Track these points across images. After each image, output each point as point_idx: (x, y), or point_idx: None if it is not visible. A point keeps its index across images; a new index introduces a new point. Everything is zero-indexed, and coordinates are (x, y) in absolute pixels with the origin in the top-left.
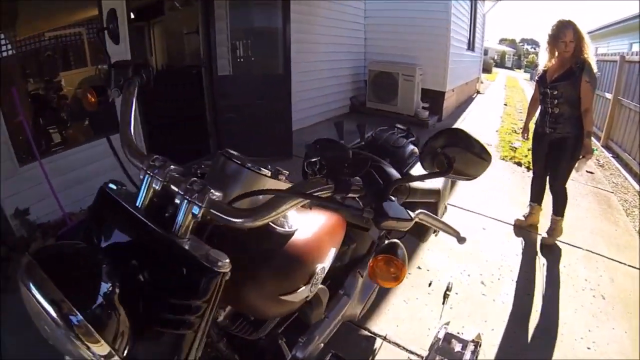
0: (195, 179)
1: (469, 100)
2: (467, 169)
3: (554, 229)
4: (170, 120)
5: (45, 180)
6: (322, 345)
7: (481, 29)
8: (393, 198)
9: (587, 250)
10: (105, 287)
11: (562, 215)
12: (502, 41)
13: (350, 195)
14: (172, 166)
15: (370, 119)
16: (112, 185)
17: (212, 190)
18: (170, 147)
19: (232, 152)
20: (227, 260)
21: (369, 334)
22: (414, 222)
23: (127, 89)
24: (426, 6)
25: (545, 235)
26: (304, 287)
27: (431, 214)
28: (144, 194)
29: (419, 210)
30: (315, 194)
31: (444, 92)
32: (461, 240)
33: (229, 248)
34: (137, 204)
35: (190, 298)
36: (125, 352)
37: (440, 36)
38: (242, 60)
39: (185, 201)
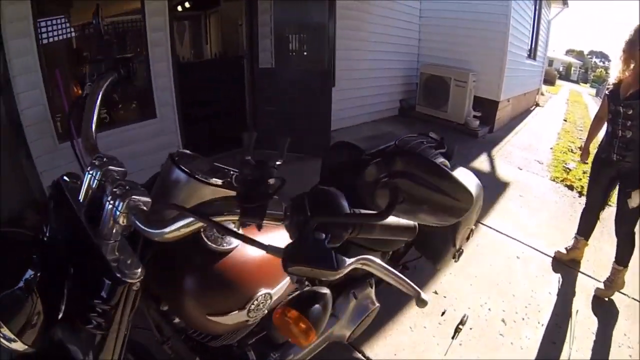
0: (122, 182)
1: (526, 113)
2: (426, 211)
3: (614, 281)
4: (214, 110)
5: (77, 158)
6: None
7: (545, 37)
8: (322, 235)
9: (633, 299)
10: (26, 276)
11: (627, 266)
12: (568, 52)
13: (269, 222)
14: (111, 166)
15: (418, 125)
16: (66, 178)
17: (134, 196)
18: (210, 136)
19: (187, 153)
20: (138, 271)
21: (362, 357)
22: (341, 273)
23: (96, 83)
24: (484, 7)
25: (601, 285)
26: (237, 312)
27: (380, 263)
28: (83, 191)
29: (361, 257)
30: (220, 217)
31: (498, 102)
32: (420, 303)
33: (160, 258)
34: (79, 199)
35: (100, 301)
36: (33, 340)
37: (497, 41)
38: (284, 53)
39: (108, 204)
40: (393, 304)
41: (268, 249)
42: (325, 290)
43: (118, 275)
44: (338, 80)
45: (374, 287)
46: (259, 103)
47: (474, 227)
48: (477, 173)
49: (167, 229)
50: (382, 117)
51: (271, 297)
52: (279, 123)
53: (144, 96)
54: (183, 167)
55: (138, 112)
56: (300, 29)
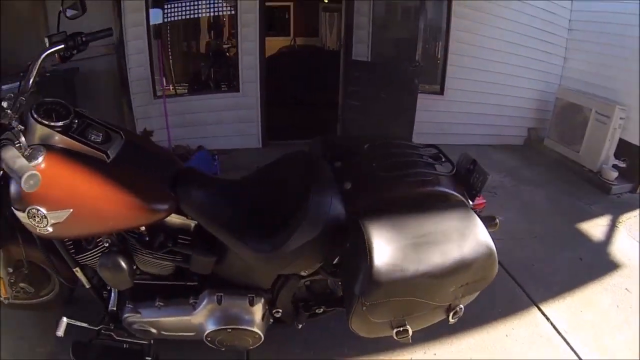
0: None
1: None
2: None
3: None
4: (306, 96)
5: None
6: (155, 331)
7: None
8: None
9: None
10: None
11: None
12: None
13: None
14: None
15: (542, 162)
16: None
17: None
18: (295, 120)
19: (49, 100)
20: None
21: None
22: None
23: (43, 51)
24: None
25: None
26: (20, 212)
27: None
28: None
29: None
30: None
31: None
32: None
33: None
34: None
35: None
36: None
37: None
38: (381, 47)
39: None
40: None
41: None
42: None
43: None
44: (448, 89)
45: (256, 307)
46: (347, 96)
47: (459, 306)
48: (581, 237)
49: None
50: (499, 143)
51: (46, 218)
52: (360, 120)
53: (231, 71)
54: None
55: (224, 84)
56: (403, 22)
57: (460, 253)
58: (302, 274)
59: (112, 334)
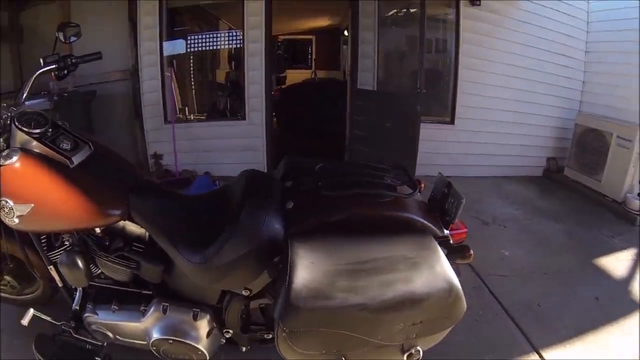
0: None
1: None
2: None
3: None
4: (315, 126)
5: (177, 139)
6: (110, 334)
7: None
8: None
9: None
10: None
11: None
12: None
13: None
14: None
15: (561, 193)
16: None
17: None
18: (303, 150)
19: (30, 110)
20: None
21: None
22: None
23: (37, 70)
24: None
25: None
26: None
27: None
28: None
29: None
30: None
31: None
32: None
33: None
34: None
35: None
36: None
37: None
38: (387, 76)
39: None
40: None
41: None
42: None
43: None
44: (458, 118)
45: (200, 323)
46: (353, 126)
47: (415, 347)
48: (599, 274)
49: None
50: (517, 174)
51: (13, 210)
52: (366, 150)
53: (238, 100)
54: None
55: (231, 113)
56: (409, 50)
57: (408, 286)
58: (244, 293)
59: (70, 331)
